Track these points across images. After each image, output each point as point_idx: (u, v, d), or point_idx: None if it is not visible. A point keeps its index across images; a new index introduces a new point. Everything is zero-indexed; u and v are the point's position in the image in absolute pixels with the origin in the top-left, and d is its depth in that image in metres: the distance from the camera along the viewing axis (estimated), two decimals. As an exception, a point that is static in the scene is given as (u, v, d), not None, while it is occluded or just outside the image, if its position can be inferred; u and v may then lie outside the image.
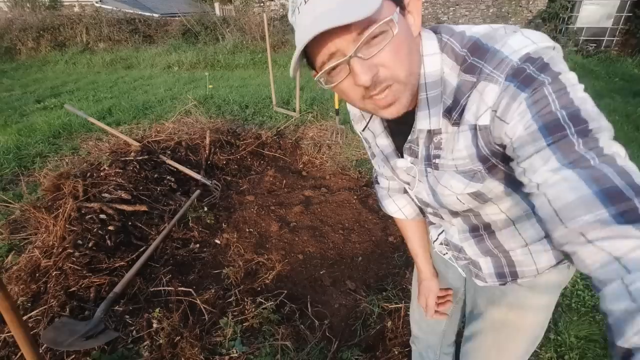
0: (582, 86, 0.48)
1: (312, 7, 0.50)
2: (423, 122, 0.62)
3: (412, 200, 0.99)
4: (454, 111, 0.59)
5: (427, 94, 0.60)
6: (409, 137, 0.68)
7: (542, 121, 0.46)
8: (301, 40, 0.50)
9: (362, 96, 0.55)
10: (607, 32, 7.99)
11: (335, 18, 0.47)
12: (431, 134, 0.64)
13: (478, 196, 0.67)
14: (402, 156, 0.73)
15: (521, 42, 0.51)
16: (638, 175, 0.41)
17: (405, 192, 0.99)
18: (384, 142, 0.76)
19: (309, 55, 0.56)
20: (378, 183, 0.99)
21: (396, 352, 1.60)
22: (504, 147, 0.54)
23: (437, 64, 0.58)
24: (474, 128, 0.57)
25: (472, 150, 0.60)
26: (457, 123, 0.59)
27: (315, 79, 0.56)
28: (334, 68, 0.53)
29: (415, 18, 0.56)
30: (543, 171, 0.46)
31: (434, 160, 0.66)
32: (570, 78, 0.48)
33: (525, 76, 0.49)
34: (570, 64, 0.59)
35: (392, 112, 0.57)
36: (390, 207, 1.00)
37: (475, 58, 0.55)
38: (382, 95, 0.54)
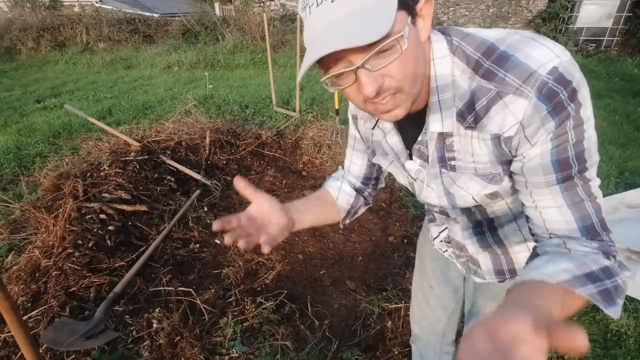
0: (592, 120, 0.54)
1: (323, 13, 0.50)
2: (436, 125, 0.62)
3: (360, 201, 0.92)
4: (467, 115, 0.59)
5: (439, 97, 0.60)
6: (419, 139, 0.68)
7: (557, 157, 0.55)
8: (311, 54, 0.51)
9: (365, 100, 0.56)
10: (607, 32, 7.99)
11: (347, 38, 0.48)
12: (443, 136, 0.64)
13: (492, 194, 0.68)
14: (411, 156, 0.73)
15: (546, 55, 0.51)
16: (602, 206, 0.57)
17: (358, 193, 0.91)
18: (394, 139, 0.76)
19: None
20: (343, 173, 0.92)
21: (396, 352, 1.61)
22: (514, 156, 0.59)
23: (447, 67, 0.59)
24: (497, 137, 0.58)
25: (493, 156, 0.61)
26: (471, 127, 0.59)
27: (321, 81, 0.57)
28: (341, 73, 0.54)
29: (425, 22, 0.57)
30: (549, 202, 0.58)
31: (449, 162, 0.67)
32: (587, 111, 0.53)
33: (558, 102, 0.51)
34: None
35: (391, 117, 0.58)
36: (333, 184, 0.91)
37: (492, 64, 0.55)
38: (384, 102, 0.55)
